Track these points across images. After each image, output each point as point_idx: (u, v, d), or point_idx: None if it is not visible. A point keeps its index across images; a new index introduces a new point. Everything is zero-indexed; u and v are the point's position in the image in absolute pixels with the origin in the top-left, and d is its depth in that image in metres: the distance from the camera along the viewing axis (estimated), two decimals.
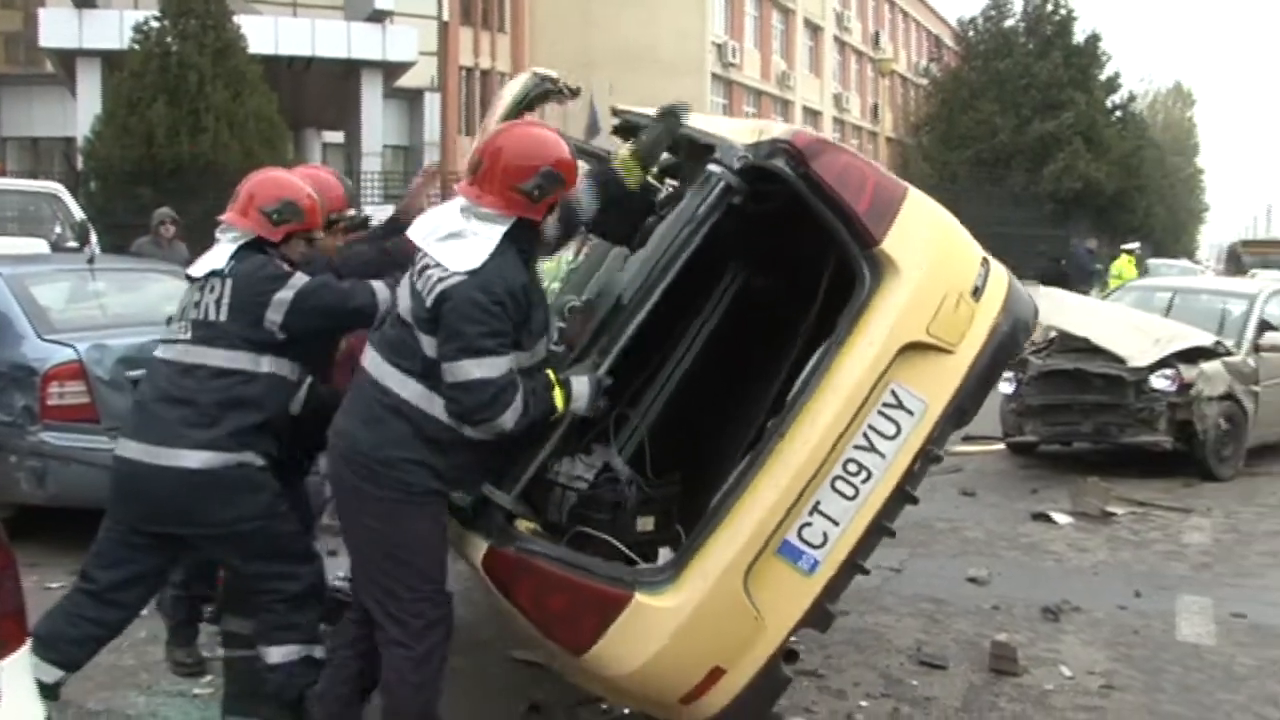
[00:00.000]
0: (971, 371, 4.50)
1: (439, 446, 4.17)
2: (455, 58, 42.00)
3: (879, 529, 4.42)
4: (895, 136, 59.79)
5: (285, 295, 4.64)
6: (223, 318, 4.66)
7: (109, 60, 26.60)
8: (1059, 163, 42.82)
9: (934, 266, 4.48)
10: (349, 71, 26.53)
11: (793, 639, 4.43)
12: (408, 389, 4.17)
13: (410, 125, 36.48)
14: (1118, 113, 49.81)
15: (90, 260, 9.61)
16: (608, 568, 4.31)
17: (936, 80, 53.30)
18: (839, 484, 4.31)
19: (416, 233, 4.33)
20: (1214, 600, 7.42)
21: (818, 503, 4.29)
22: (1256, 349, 11.51)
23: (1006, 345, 4.66)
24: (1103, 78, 48.55)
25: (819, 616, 4.42)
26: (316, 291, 4.71)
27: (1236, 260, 36.67)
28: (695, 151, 4.85)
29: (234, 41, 24.34)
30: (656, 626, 4.17)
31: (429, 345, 4.13)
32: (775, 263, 5.55)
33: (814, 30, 60.36)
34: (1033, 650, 6.39)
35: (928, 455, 4.47)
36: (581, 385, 4.25)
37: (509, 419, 4.07)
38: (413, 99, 35.35)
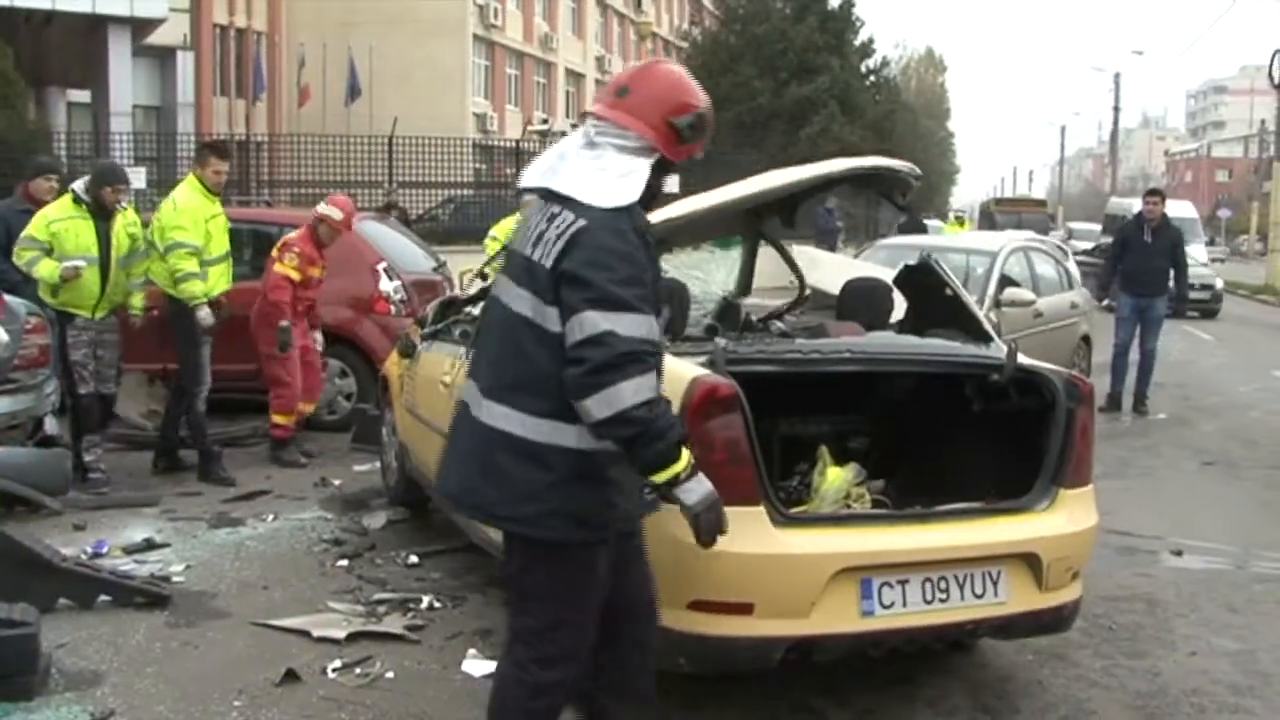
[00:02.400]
0: (1040, 610, 5.06)
1: (590, 482, 3.64)
2: (209, 15, 40.59)
3: (912, 637, 4.88)
4: None
5: None
6: None
7: None
8: (815, 125, 43.73)
9: (1081, 535, 5.19)
10: (94, 26, 25.36)
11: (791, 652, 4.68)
12: (528, 425, 3.59)
13: (162, 85, 35.08)
14: (872, 77, 51.12)
15: None
16: (763, 478, 4.66)
17: (697, 43, 53.90)
18: (927, 584, 4.77)
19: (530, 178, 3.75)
20: None
21: (906, 581, 4.73)
22: (998, 304, 11.96)
23: (1056, 623, 5.24)
24: (857, 43, 49.71)
25: (829, 648, 4.76)
26: None
27: (990, 219, 38.01)
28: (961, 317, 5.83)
29: None
30: (752, 538, 4.48)
31: (556, 320, 3.52)
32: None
33: None
34: None
35: (975, 630, 5.08)
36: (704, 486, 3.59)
37: (629, 393, 3.41)
38: (164, 57, 33.98)
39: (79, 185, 8.88)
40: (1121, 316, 13.88)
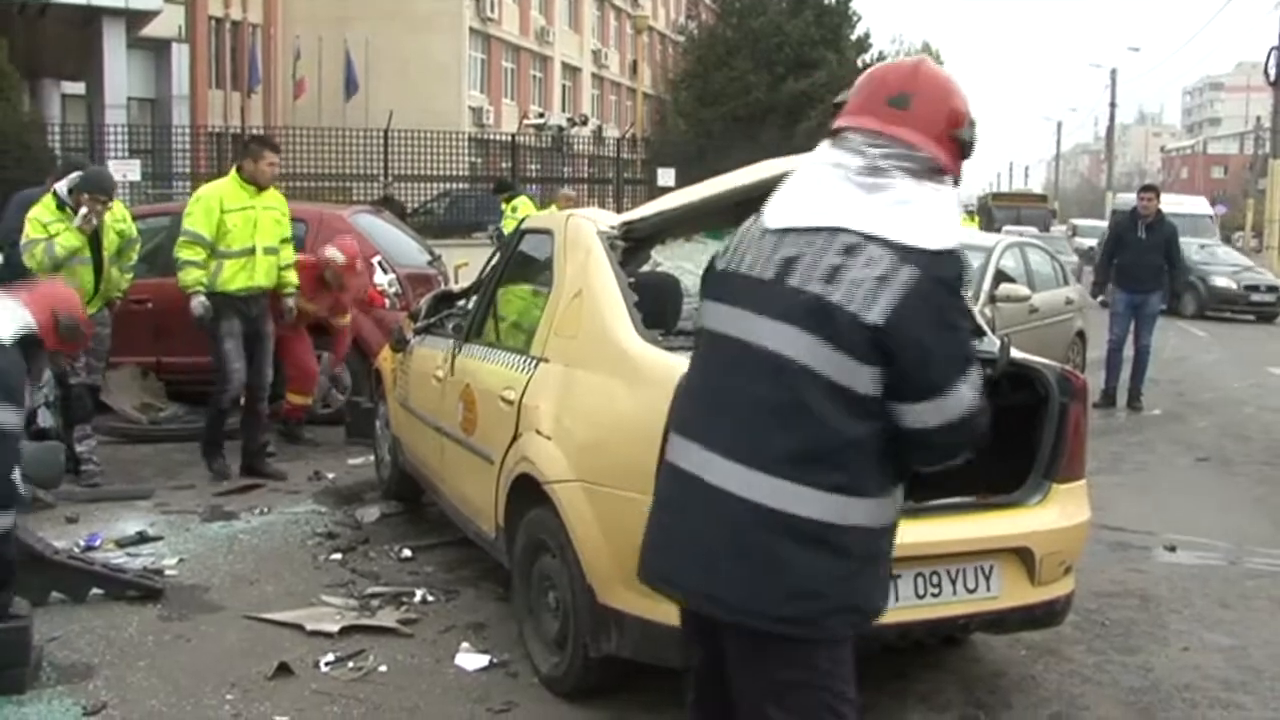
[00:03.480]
0: (1033, 605, 5.07)
1: (877, 565, 3.07)
2: (204, 7, 40.58)
3: (905, 632, 4.78)
4: (653, 93, 60.26)
5: None
6: None
7: None
8: (812, 120, 43.70)
9: (1074, 530, 5.20)
10: (89, 19, 25.27)
11: None
12: (824, 504, 2.88)
13: (157, 77, 35.05)
14: None
15: None
16: None
17: (693, 38, 53.93)
18: (919, 578, 4.76)
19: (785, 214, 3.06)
20: None
21: (898, 575, 4.59)
22: (993, 300, 11.98)
23: (1049, 618, 5.25)
24: (854, 37, 49.82)
25: None
26: None
27: (988, 214, 37.54)
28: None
29: None
30: None
31: (870, 382, 2.86)
32: None
33: None
34: None
35: (968, 625, 5.06)
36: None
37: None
38: (159, 50, 33.98)
39: (62, 188, 8.85)
40: (1116, 312, 13.89)
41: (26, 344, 5.04)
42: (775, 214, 3.07)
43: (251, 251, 8.91)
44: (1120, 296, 13.84)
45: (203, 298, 8.73)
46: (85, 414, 8.92)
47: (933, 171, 2.98)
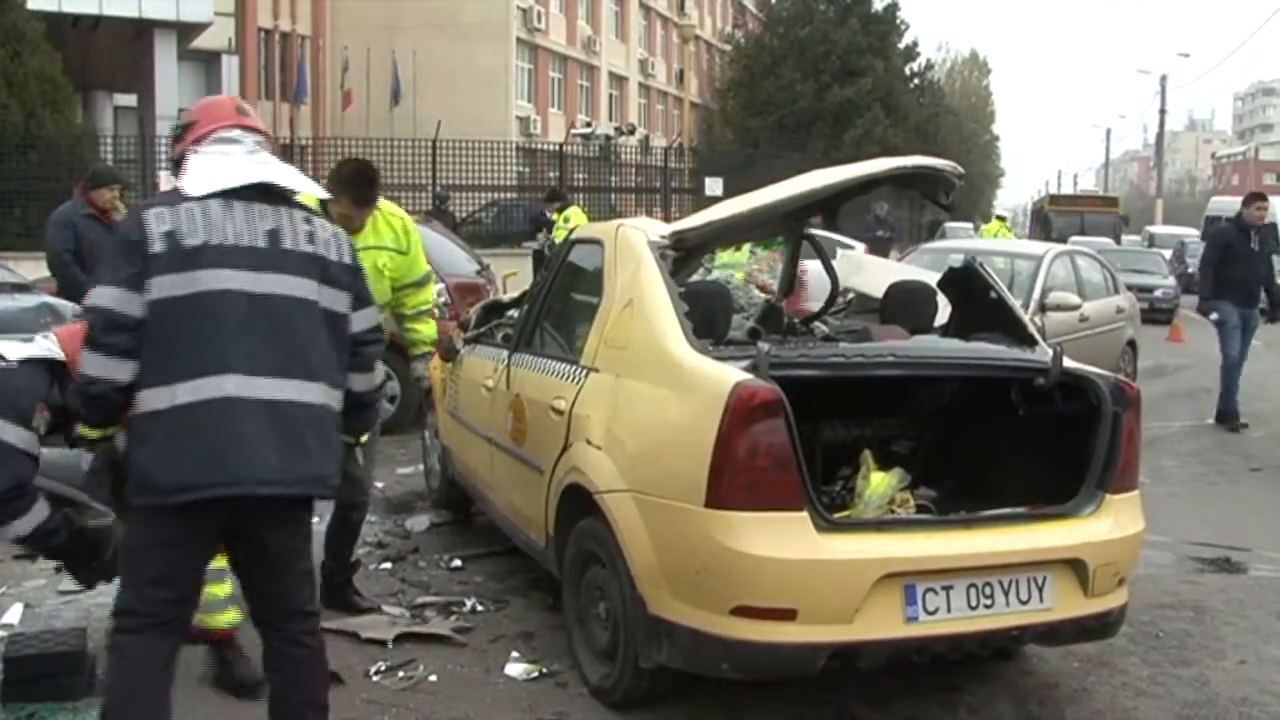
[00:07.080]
0: (1086, 616, 5.02)
1: None
2: (254, 19, 40.93)
3: (956, 644, 4.79)
4: (700, 102, 60.25)
5: None
6: None
7: None
8: (858, 128, 43.73)
9: (1128, 540, 5.14)
10: (140, 32, 25.49)
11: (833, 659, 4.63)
12: (334, 398, 4.02)
13: (207, 88, 35.25)
14: (915, 80, 51.10)
15: None
16: (807, 484, 4.60)
17: (740, 46, 53.95)
18: (971, 589, 4.73)
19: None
20: None
21: (950, 586, 4.67)
22: (1043, 308, 11.89)
23: (1102, 629, 5.21)
24: (901, 46, 49.78)
25: (873, 654, 4.71)
26: None
27: (1045, 221, 35.71)
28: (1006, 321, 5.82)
29: None
30: (795, 543, 4.50)
31: (346, 305, 4.07)
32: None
33: None
34: None
35: (1020, 636, 5.01)
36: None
37: None
38: (209, 61, 34.29)
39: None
40: (1232, 326, 12.78)
41: (55, 373, 4.98)
42: (208, 185, 3.88)
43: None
44: (1231, 310, 12.74)
45: None
46: None
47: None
